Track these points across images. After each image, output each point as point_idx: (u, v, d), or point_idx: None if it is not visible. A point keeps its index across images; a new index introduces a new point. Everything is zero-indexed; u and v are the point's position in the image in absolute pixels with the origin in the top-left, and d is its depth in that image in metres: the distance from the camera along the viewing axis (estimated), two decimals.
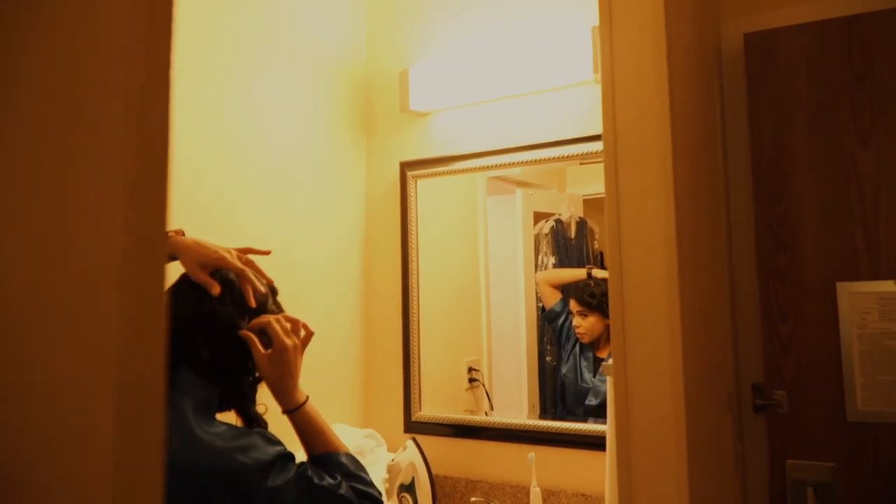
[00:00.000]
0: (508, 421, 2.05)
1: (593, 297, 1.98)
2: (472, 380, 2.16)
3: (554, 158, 2.02)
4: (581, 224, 2.08)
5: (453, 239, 2.24)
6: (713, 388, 1.32)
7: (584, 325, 2.00)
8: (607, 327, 1.95)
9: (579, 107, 1.99)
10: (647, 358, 1.13)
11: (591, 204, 2.07)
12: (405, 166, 2.27)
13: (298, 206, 2.10)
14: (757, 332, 1.48)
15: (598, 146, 1.90)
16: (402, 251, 2.26)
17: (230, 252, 1.23)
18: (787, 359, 1.43)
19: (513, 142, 2.08)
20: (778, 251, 1.47)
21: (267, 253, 1.33)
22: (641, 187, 1.06)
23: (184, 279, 1.20)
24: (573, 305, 2.01)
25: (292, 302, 2.05)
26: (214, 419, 1.13)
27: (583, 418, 1.98)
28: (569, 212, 2.09)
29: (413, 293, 2.24)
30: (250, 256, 1.28)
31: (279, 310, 1.29)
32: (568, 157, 2.00)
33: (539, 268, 2.09)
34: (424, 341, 2.22)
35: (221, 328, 1.18)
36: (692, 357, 1.15)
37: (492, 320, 2.15)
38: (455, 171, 2.20)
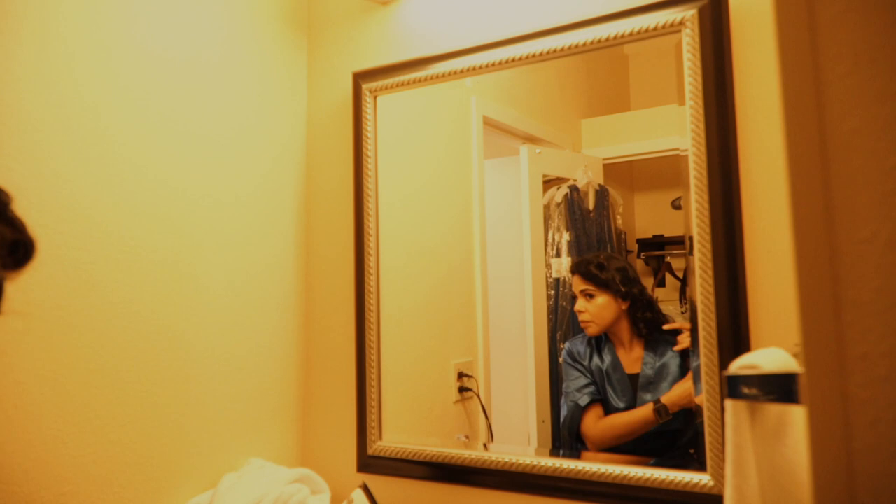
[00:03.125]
0: (516, 460, 1.50)
1: (603, 270, 1.66)
2: (462, 389, 1.80)
3: (579, 46, 1.46)
4: (601, 193, 1.80)
5: (434, 190, 1.84)
6: None
7: (589, 309, 1.64)
8: (625, 316, 1.61)
9: None
10: None
11: (612, 170, 1.80)
12: (360, 77, 1.77)
13: (207, 134, 1.60)
14: None
15: (652, 19, 1.36)
16: (356, 203, 1.75)
17: None
18: None
19: (516, 30, 1.56)
20: None
21: None
22: None
23: None
24: (576, 283, 1.69)
25: (194, 272, 1.48)
26: None
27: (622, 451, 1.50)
28: (586, 177, 1.80)
29: (370, 263, 1.71)
30: None
31: (18, 231, 0.77)
32: (602, 42, 1.43)
33: (549, 245, 1.77)
34: (390, 334, 1.75)
35: None
36: None
37: (490, 310, 1.83)
38: (430, 79, 1.65)
